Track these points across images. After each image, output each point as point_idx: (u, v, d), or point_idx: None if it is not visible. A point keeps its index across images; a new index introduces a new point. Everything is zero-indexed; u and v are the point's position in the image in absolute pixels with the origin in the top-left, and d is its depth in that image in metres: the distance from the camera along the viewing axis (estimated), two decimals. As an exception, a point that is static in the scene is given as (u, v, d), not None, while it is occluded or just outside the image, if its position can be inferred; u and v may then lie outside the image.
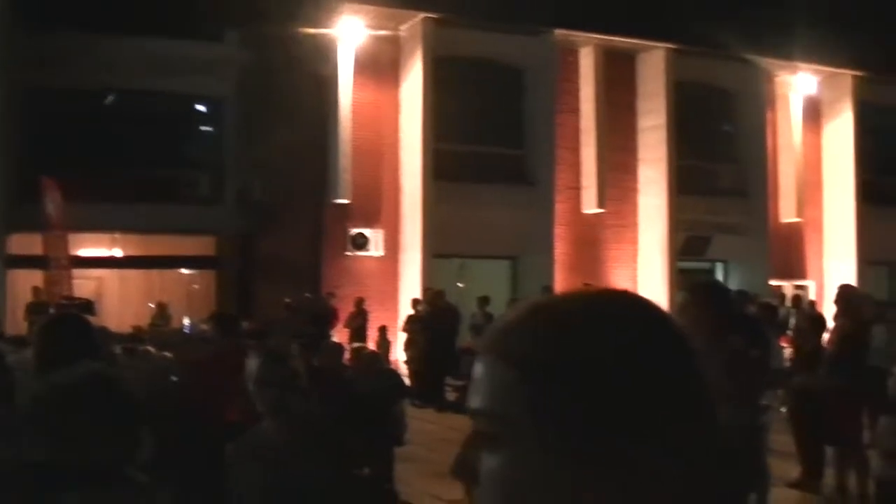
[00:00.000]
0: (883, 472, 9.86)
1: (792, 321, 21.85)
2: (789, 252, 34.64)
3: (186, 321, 23.52)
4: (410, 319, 22.96)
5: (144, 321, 22.94)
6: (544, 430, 1.24)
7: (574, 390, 1.24)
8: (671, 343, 1.33)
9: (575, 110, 30.20)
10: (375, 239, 27.45)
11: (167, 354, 12.65)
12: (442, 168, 27.09)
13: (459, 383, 20.60)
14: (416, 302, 23.79)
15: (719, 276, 33.72)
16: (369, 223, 27.52)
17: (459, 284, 28.11)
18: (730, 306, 7.08)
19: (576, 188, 30.05)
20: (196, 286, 30.85)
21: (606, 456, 1.23)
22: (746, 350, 9.03)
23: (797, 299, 25.93)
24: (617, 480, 1.23)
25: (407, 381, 21.11)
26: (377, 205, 27.86)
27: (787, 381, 14.28)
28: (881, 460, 9.88)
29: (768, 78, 33.77)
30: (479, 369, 1.32)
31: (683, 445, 1.28)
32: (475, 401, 1.31)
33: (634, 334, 1.29)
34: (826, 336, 13.93)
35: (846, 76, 34.81)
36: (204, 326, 16.33)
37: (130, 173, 27.39)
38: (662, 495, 1.25)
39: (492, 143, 29.34)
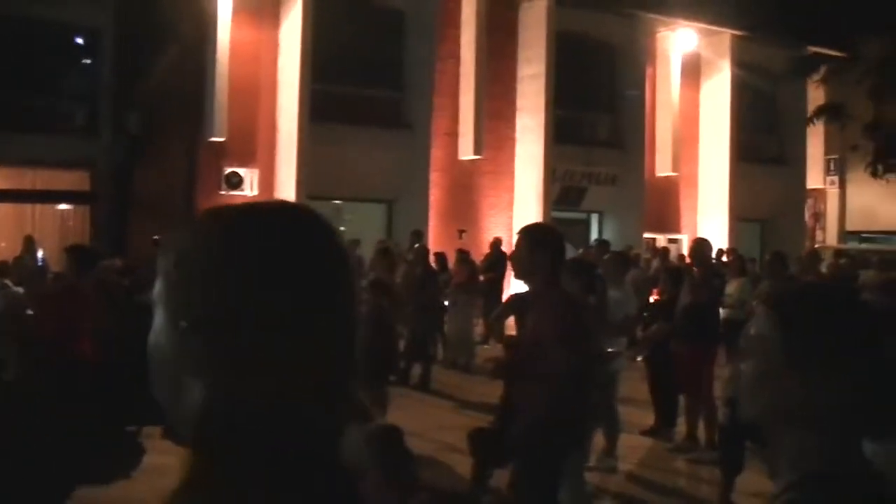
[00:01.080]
0: (723, 418, 10.10)
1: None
2: (664, 205, 35.10)
3: (40, 254, 23.15)
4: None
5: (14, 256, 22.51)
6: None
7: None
8: None
9: (455, 56, 30.11)
10: (250, 178, 27.18)
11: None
12: (319, 109, 26.87)
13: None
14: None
15: (594, 226, 34.17)
16: (244, 162, 27.24)
17: (342, 228, 28.07)
18: (563, 251, 7.12)
19: (453, 134, 30.03)
20: (70, 222, 30.29)
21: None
22: (586, 296, 9.18)
23: (665, 251, 26.30)
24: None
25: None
26: (253, 144, 27.56)
27: (637, 329, 14.56)
28: (723, 407, 10.12)
29: (649, 33, 34.08)
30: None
31: None
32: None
33: None
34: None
35: (725, 35, 35.26)
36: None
37: (3, 103, 26.73)
38: None
39: (370, 86, 29.15)
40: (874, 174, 25.09)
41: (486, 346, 19.95)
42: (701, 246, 13.17)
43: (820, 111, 27.17)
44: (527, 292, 7.21)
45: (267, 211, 1.54)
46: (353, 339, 1.50)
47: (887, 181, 24.91)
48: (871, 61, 25.09)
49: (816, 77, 27.29)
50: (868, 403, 2.05)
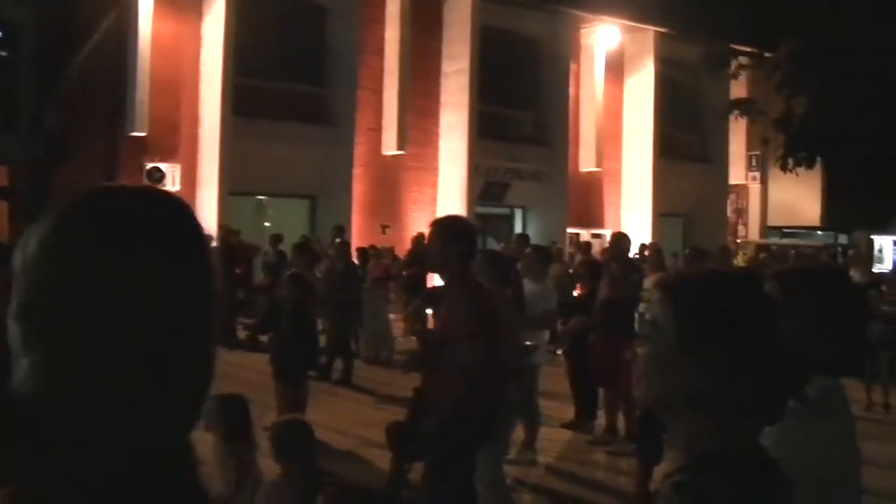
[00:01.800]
0: (641, 409, 10.15)
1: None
2: (588, 201, 35.32)
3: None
4: (202, 257, 22.44)
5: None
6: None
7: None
8: None
9: (379, 51, 30.06)
10: (172, 174, 26.89)
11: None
12: (242, 104, 26.69)
13: (251, 322, 20.41)
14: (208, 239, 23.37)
15: (517, 221, 34.29)
16: (166, 157, 26.94)
17: (266, 224, 27.96)
18: (474, 244, 7.11)
19: (377, 130, 29.98)
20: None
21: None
22: (502, 289, 9.19)
23: (587, 246, 26.42)
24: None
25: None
26: (174, 139, 27.29)
27: (558, 323, 14.62)
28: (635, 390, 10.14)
29: (573, 29, 34.25)
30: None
31: None
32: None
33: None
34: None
35: (648, 32, 35.55)
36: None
37: (-80, 99, 26.31)
38: None
39: (293, 81, 29.03)
40: (784, 168, 25.42)
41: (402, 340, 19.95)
42: (619, 240, 13.27)
43: (732, 105, 27.51)
44: (441, 285, 7.22)
45: (107, 194, 1.49)
46: (202, 331, 1.45)
47: (797, 174, 25.24)
48: (781, 58, 25.44)
49: (728, 72, 27.59)
50: (760, 387, 2.07)
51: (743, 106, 26.51)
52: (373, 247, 22.02)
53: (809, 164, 23.69)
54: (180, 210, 1.50)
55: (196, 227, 1.50)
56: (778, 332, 2.15)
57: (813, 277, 3.27)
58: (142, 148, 26.48)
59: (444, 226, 7.07)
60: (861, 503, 3.21)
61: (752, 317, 2.13)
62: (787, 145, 25.21)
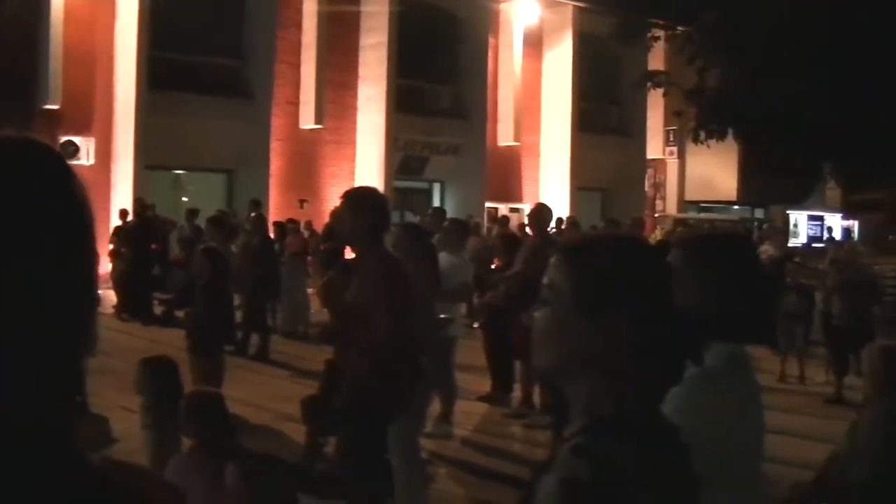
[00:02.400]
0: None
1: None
2: (506, 175, 35.38)
3: None
4: (117, 232, 22.21)
5: None
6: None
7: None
8: None
9: (297, 24, 29.87)
10: (86, 148, 26.55)
11: None
12: (158, 77, 26.41)
13: (167, 297, 20.24)
14: (124, 213, 23.09)
15: (436, 195, 34.27)
16: (80, 131, 26.58)
17: (184, 199, 27.72)
18: (385, 216, 7.08)
19: (294, 103, 29.84)
20: None
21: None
22: (420, 262, 9.17)
23: (504, 220, 26.51)
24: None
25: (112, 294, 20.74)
26: (89, 112, 26.94)
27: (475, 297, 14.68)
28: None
29: (492, 3, 34.16)
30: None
31: None
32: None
33: None
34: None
35: (567, 6, 35.67)
36: None
37: None
38: None
39: (210, 54, 28.77)
40: (696, 140, 25.66)
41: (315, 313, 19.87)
42: (541, 210, 13.22)
43: (645, 77, 27.71)
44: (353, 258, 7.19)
45: None
46: (78, 302, 1.33)
47: (708, 146, 25.50)
48: (693, 31, 25.63)
49: (643, 44, 27.79)
50: (656, 350, 2.06)
51: (656, 78, 26.67)
52: (291, 221, 21.89)
53: (721, 136, 23.90)
54: (39, 150, 1.36)
55: (58, 164, 1.38)
56: (674, 295, 2.14)
57: (716, 244, 3.29)
58: (55, 121, 26.05)
59: (354, 197, 7.03)
60: (763, 470, 3.23)
61: (648, 280, 2.12)
62: (699, 117, 25.41)
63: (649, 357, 2.06)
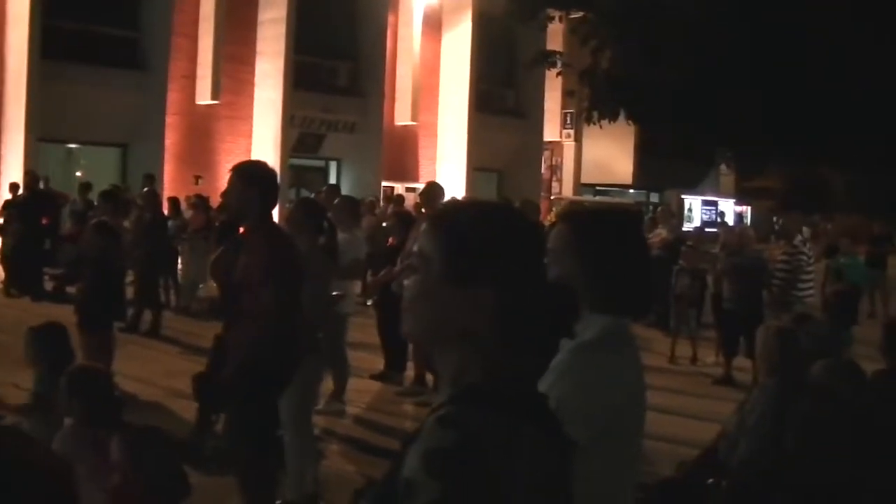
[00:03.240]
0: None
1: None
2: (403, 154, 35.42)
3: None
4: (7, 205, 21.78)
5: None
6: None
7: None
8: None
9: (195, -3, 29.53)
10: (-25, 119, 26.07)
11: None
12: (50, 46, 25.92)
13: (58, 272, 19.94)
14: (13, 187, 22.66)
15: (332, 173, 34.22)
16: (-32, 102, 26.09)
17: (78, 174, 27.35)
18: (274, 190, 7.06)
19: (191, 77, 29.51)
20: None
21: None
22: (315, 237, 9.17)
23: (399, 198, 26.54)
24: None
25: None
26: (-23, 82, 26.40)
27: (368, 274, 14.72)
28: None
29: (391, -19, 34.13)
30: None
31: None
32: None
33: None
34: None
35: (467, -14, 35.66)
36: None
37: None
38: None
39: (106, 24, 28.28)
40: (588, 120, 25.86)
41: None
42: (432, 189, 13.25)
43: (539, 57, 27.90)
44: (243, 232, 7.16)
45: None
46: None
47: (601, 127, 25.71)
48: (587, 12, 25.79)
49: (538, 23, 27.95)
50: (526, 323, 2.07)
51: (551, 58, 26.80)
52: (199, 196, 21.52)
53: (613, 118, 24.11)
54: None
55: None
56: (554, 267, 2.15)
57: (598, 218, 3.31)
58: (-59, 92, 25.51)
59: (243, 171, 7.01)
60: (643, 447, 3.28)
61: (518, 250, 2.13)
62: (591, 98, 25.59)
63: (517, 327, 2.07)
